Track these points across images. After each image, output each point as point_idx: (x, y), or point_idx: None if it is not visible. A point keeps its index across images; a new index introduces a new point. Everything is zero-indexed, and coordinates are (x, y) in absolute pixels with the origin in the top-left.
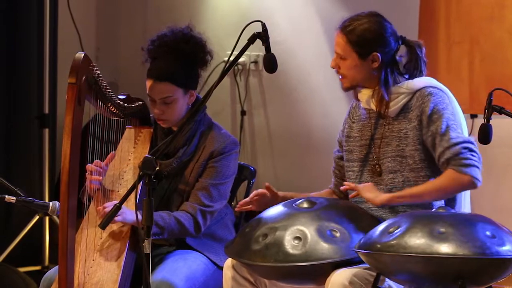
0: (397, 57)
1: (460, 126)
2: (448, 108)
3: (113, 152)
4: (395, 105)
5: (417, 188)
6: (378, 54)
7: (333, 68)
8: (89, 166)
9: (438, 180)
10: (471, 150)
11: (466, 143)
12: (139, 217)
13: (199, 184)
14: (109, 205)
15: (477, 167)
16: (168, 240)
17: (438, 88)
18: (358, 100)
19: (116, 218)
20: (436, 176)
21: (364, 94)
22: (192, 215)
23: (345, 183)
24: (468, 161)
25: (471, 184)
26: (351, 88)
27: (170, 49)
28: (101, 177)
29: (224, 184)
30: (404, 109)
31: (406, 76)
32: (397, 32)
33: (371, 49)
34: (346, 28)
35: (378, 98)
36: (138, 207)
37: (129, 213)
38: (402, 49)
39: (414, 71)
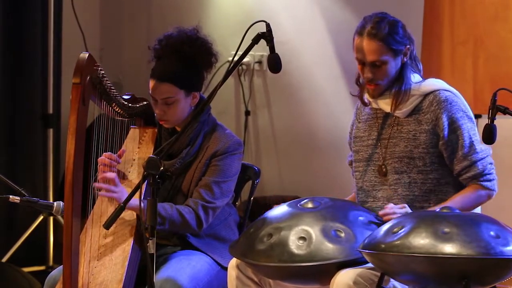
0: None
1: (477, 133)
2: (466, 116)
3: (123, 148)
4: (406, 107)
5: (452, 203)
6: (409, 46)
7: (369, 78)
8: (100, 159)
9: (467, 196)
10: (491, 163)
11: (489, 156)
12: (142, 205)
13: (202, 181)
14: (109, 174)
15: (496, 179)
16: (172, 240)
17: (452, 93)
18: (366, 104)
19: (114, 195)
20: (443, 179)
21: (385, 99)
22: (194, 209)
23: (381, 213)
24: (492, 176)
25: (490, 198)
26: (384, 92)
27: (174, 50)
28: (114, 165)
29: (226, 182)
30: (415, 111)
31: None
32: None
33: (403, 43)
34: (378, 34)
35: (393, 97)
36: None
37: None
38: None
39: (414, 61)
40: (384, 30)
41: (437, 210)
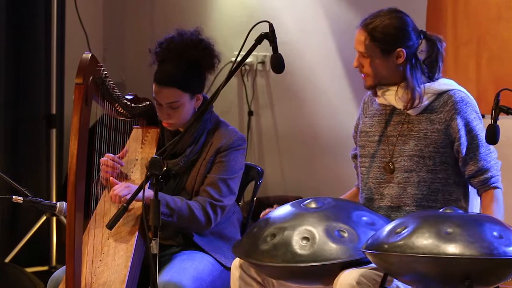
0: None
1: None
2: (478, 117)
3: (126, 148)
4: (418, 106)
5: (492, 211)
6: (403, 50)
7: (356, 67)
8: (103, 160)
9: (499, 203)
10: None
11: (496, 157)
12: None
13: (208, 179)
14: (117, 187)
15: None
16: (175, 240)
17: (465, 93)
18: (376, 96)
19: (127, 197)
20: (450, 179)
21: (391, 94)
22: (203, 206)
23: None
24: (500, 178)
25: None
26: (374, 86)
27: (177, 53)
28: (117, 167)
29: (232, 179)
30: (427, 109)
31: (427, 75)
32: (417, 27)
33: (395, 45)
34: (368, 26)
35: (408, 95)
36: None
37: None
38: (422, 44)
39: (434, 66)
40: (376, 25)
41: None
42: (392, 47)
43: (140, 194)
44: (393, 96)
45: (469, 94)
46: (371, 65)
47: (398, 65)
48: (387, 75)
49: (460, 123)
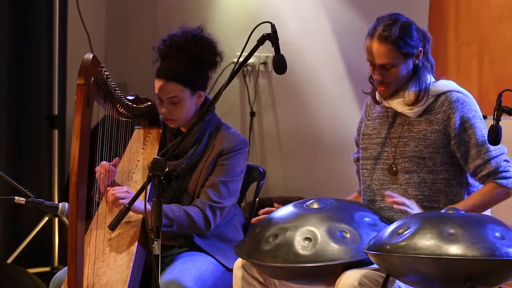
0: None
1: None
2: (477, 116)
3: (117, 158)
4: (418, 107)
5: (465, 203)
6: (421, 48)
7: (379, 80)
8: (97, 169)
9: (483, 195)
10: (507, 161)
11: (503, 154)
12: (148, 206)
13: (208, 181)
14: (116, 189)
15: None
16: (177, 241)
17: (463, 94)
18: (378, 102)
19: (122, 201)
20: (453, 180)
21: (398, 97)
22: (201, 209)
23: (389, 198)
24: (509, 174)
25: (509, 195)
26: (394, 94)
27: (179, 49)
28: (113, 170)
29: (233, 182)
30: (426, 111)
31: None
32: None
33: (415, 45)
34: (389, 37)
35: (412, 97)
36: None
37: (138, 200)
38: None
39: (426, 57)
40: (394, 34)
41: (443, 211)
42: (413, 49)
43: (141, 203)
44: (400, 100)
45: (467, 94)
46: (396, 74)
47: (416, 65)
48: (406, 77)
49: (457, 121)
